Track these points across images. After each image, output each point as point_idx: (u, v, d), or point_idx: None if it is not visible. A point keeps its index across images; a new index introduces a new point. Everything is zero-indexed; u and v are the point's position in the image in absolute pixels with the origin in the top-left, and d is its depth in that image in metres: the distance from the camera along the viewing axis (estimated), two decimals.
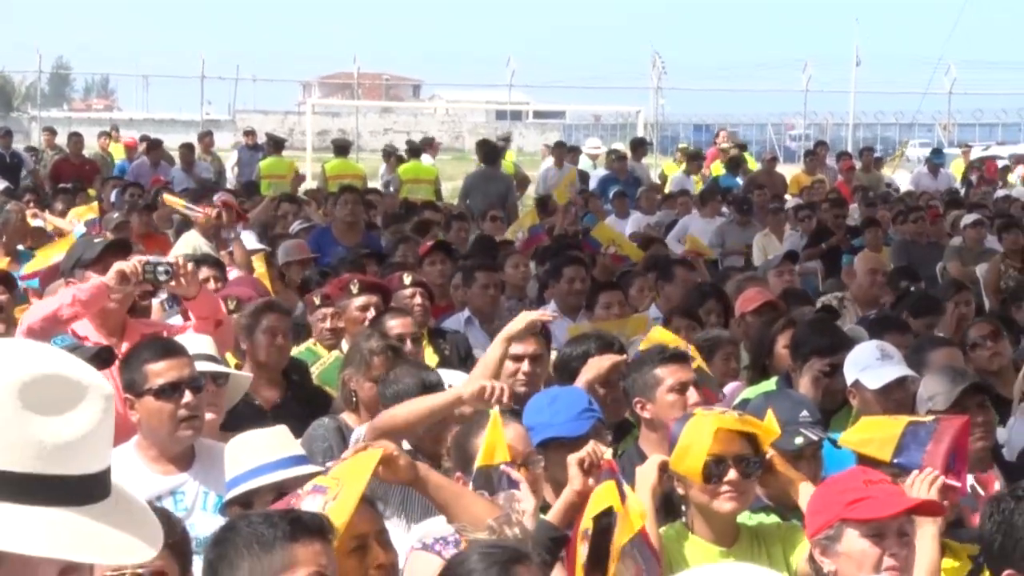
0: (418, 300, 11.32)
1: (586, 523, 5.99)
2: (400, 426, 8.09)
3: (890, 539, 5.44)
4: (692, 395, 7.76)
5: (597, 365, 8.32)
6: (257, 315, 9.75)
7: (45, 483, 2.90)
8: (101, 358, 7.50)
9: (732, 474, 6.35)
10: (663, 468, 6.36)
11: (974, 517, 6.67)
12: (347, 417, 8.61)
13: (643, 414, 7.89)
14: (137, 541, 3.00)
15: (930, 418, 6.98)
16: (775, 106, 74.98)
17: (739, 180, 30.52)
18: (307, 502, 5.45)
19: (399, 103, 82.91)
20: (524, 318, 8.71)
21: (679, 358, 8.17)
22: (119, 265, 8.57)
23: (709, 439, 6.31)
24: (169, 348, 7.50)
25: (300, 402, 9.50)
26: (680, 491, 6.47)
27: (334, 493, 5.48)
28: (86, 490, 2.95)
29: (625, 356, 7.83)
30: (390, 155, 34.14)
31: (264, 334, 9.68)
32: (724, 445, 6.34)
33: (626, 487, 6.17)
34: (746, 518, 6.81)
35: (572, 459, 6.25)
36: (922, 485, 6.11)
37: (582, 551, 5.87)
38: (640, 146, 35.97)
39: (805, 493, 6.57)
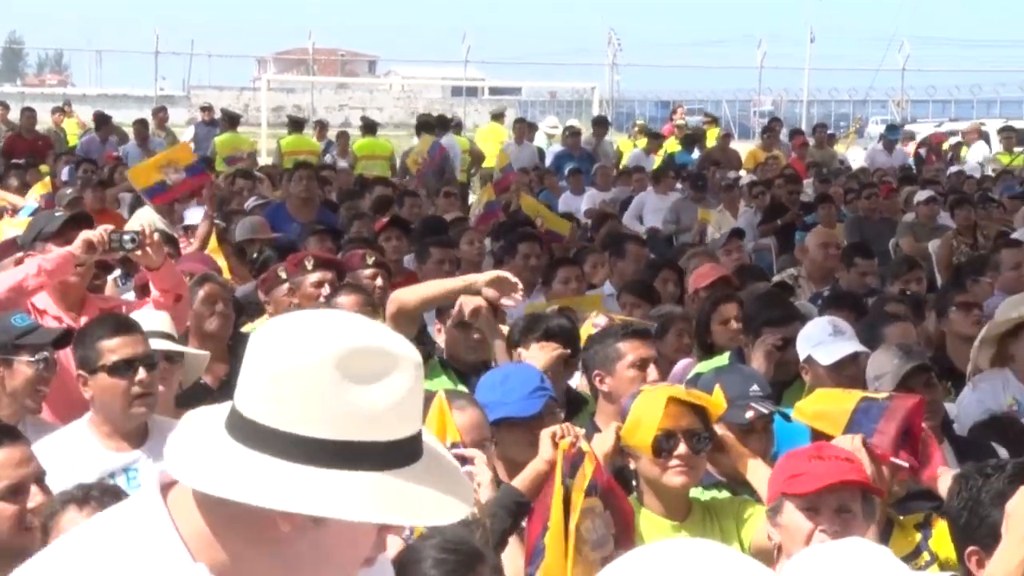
0: (379, 282, 11.29)
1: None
2: (416, 301, 8.88)
3: (825, 514, 5.45)
4: (652, 372, 7.78)
5: (539, 356, 8.32)
6: (194, 287, 9.66)
7: (364, 449, 3.05)
8: (59, 343, 7.66)
9: (682, 448, 6.37)
10: (618, 435, 6.36)
11: None
12: None
13: (601, 387, 7.89)
14: (451, 499, 3.14)
15: (884, 395, 6.97)
16: (731, 82, 75.04)
17: (694, 156, 30.61)
18: None
19: (355, 79, 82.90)
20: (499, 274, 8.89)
21: (642, 334, 8.20)
22: (86, 234, 8.53)
23: (660, 413, 6.33)
24: (123, 325, 7.44)
25: None
26: (632, 465, 6.49)
27: None
28: (401, 454, 3.10)
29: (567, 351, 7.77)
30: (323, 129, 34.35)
31: (203, 304, 9.64)
32: (674, 420, 6.37)
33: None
34: (699, 493, 6.84)
35: (545, 433, 6.26)
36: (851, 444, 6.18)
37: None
38: (602, 124, 35.85)
39: (754, 469, 6.61)
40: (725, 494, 6.84)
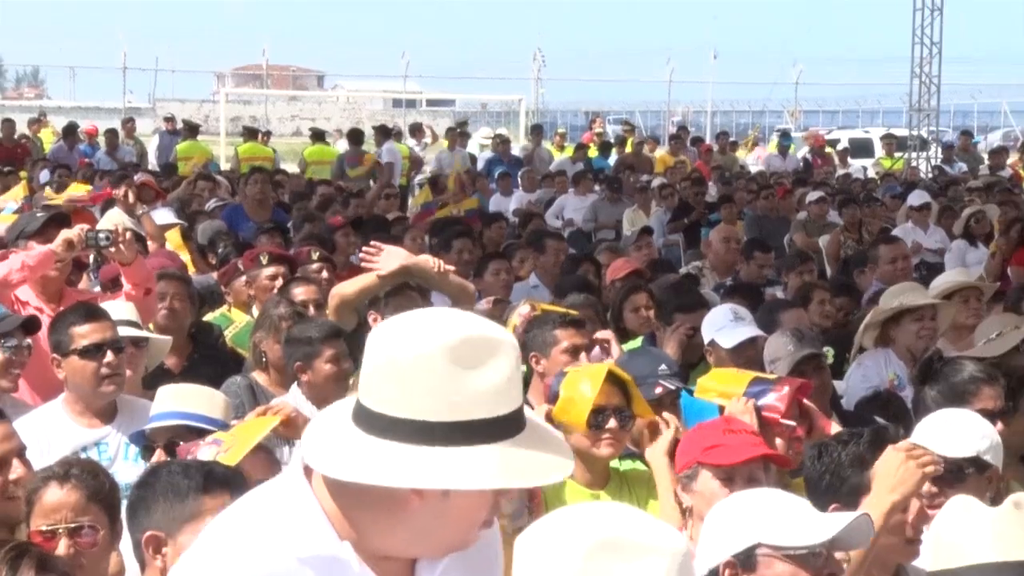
0: (324, 274, 11.29)
1: None
2: (355, 291, 8.75)
3: (738, 483, 5.44)
4: (583, 359, 7.79)
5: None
6: (172, 291, 9.65)
7: (479, 426, 3.09)
8: (28, 327, 7.64)
9: (612, 423, 6.40)
10: (549, 417, 6.35)
11: None
12: (257, 376, 8.62)
13: (536, 367, 7.89)
14: (558, 459, 3.19)
15: (774, 377, 7.04)
16: (645, 95, 75.11)
17: (610, 161, 30.73)
18: (203, 451, 5.46)
19: (304, 92, 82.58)
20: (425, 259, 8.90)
21: (577, 323, 8.20)
22: (66, 233, 8.74)
23: (595, 391, 6.35)
24: (93, 312, 7.46)
25: (209, 362, 9.35)
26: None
27: (227, 447, 5.49)
28: (509, 426, 3.13)
29: None
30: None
31: (171, 297, 9.57)
32: (607, 398, 6.38)
33: None
34: (617, 464, 6.86)
35: None
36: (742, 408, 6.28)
37: None
38: (537, 132, 36.10)
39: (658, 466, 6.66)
40: (640, 465, 6.85)
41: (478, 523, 3.25)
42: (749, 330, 8.53)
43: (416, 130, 37.54)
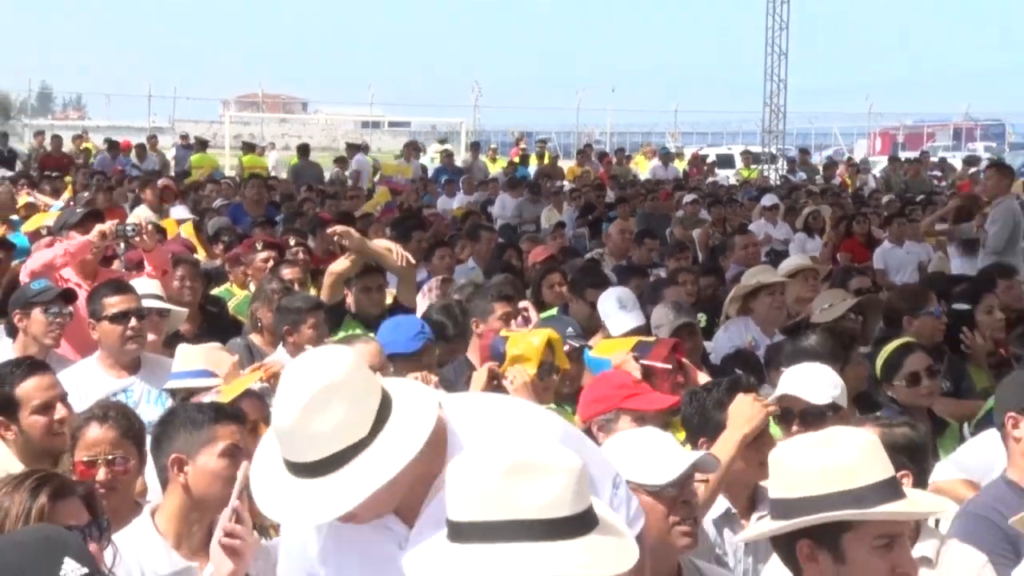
0: (301, 255, 11.27)
1: None
2: (345, 267, 8.81)
3: (649, 423, 5.38)
4: (513, 325, 7.73)
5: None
6: (185, 272, 9.57)
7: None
8: (66, 297, 7.61)
9: (553, 376, 6.32)
10: (492, 373, 6.27)
11: None
12: (253, 337, 8.62)
13: (476, 330, 7.80)
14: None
15: (652, 339, 7.03)
16: (559, 118, 75.29)
17: (531, 171, 30.78)
18: (206, 399, 5.44)
19: (292, 115, 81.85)
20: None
21: (508, 297, 8.14)
22: (100, 226, 8.76)
23: (542, 349, 6.26)
24: (121, 287, 7.43)
25: (215, 328, 9.23)
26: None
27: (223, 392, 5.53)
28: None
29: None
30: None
31: (186, 278, 9.53)
32: (547, 355, 6.26)
33: None
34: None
35: (410, 376, 6.20)
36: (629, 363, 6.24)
37: None
38: (475, 148, 36.22)
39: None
40: (553, 407, 6.80)
41: None
42: (632, 319, 8.44)
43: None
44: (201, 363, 6.25)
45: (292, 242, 12.21)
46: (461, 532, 2.77)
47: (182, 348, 6.52)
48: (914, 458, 4.62)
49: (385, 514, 3.23)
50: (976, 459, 5.89)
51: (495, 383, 6.14)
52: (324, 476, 3.02)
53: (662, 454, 4.06)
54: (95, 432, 4.83)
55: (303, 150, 31.80)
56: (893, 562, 3.28)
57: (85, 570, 2.71)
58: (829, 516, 3.24)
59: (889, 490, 3.28)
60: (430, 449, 3.13)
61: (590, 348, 7.24)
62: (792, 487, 3.33)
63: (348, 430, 3.06)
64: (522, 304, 8.36)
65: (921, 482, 4.61)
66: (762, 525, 3.45)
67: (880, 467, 3.31)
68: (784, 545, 3.38)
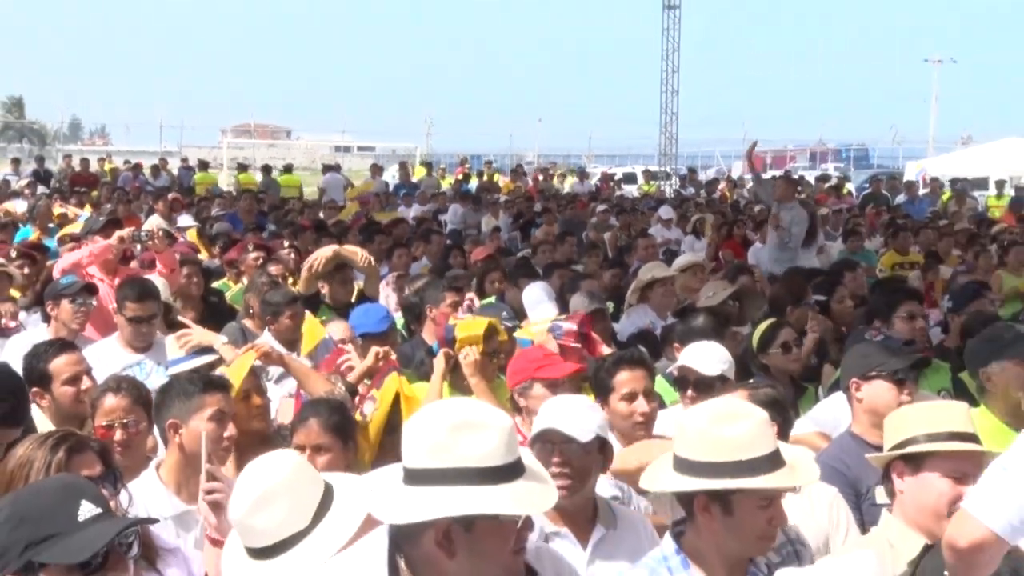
0: (292, 255, 11.27)
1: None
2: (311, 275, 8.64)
3: (561, 389, 5.34)
4: (459, 312, 7.69)
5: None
6: (185, 272, 9.55)
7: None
8: (89, 290, 7.60)
9: (495, 359, 6.26)
10: (448, 355, 6.22)
11: None
12: (246, 322, 8.50)
13: (430, 315, 7.79)
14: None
15: (564, 316, 7.04)
16: (496, 143, 75.53)
17: (472, 186, 30.76)
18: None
19: (278, 141, 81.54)
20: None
21: (458, 288, 8.16)
22: (119, 232, 8.94)
23: (485, 334, 6.20)
24: (142, 294, 7.28)
25: (215, 315, 9.12)
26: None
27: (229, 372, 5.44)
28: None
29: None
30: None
31: (191, 276, 9.51)
32: (493, 339, 6.22)
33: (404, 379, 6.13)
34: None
35: (374, 351, 6.15)
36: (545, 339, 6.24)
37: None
38: (428, 167, 36.27)
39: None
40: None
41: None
42: (550, 308, 8.42)
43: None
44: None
45: (286, 244, 12.32)
46: (415, 476, 2.77)
47: (170, 339, 6.38)
48: (777, 411, 4.63)
49: None
50: (827, 416, 5.96)
51: (452, 362, 6.13)
52: (272, 559, 3.07)
53: (573, 413, 3.98)
54: (111, 401, 4.80)
55: (287, 170, 31.99)
56: (770, 516, 3.32)
57: (99, 510, 2.70)
58: (727, 483, 3.27)
59: (773, 462, 3.31)
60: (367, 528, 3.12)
61: (520, 328, 7.24)
62: (696, 451, 3.33)
63: (290, 523, 3.12)
64: (468, 295, 8.34)
65: (784, 431, 4.63)
66: (669, 481, 3.41)
67: (767, 442, 3.34)
68: (683, 496, 3.41)
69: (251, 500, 3.13)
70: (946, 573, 3.34)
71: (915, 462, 3.90)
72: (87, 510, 2.68)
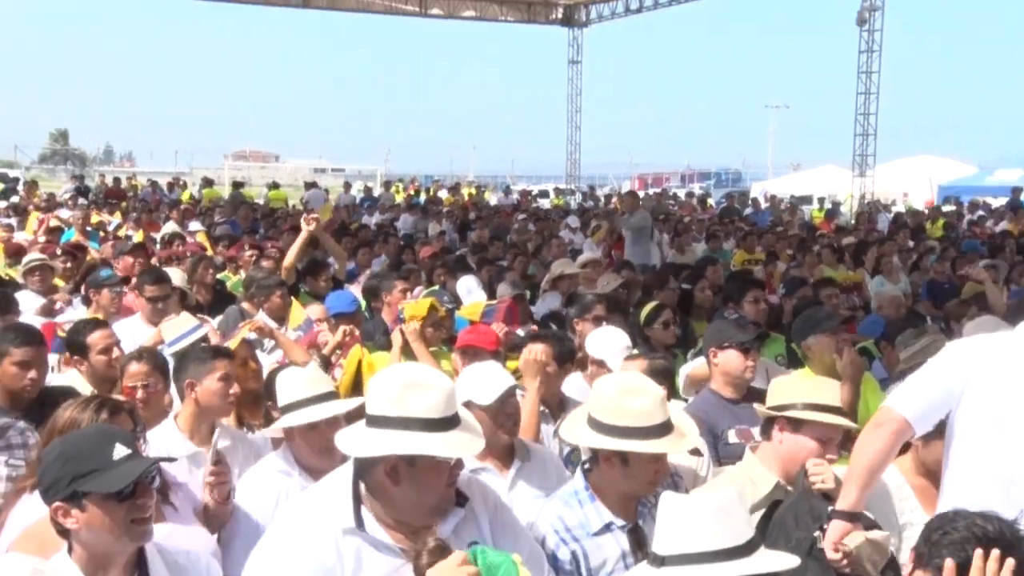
0: (276, 253, 11.11)
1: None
2: (292, 259, 8.67)
3: (479, 359, 5.23)
4: (409, 296, 7.61)
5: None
6: (195, 264, 9.37)
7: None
8: (124, 281, 7.56)
9: (435, 330, 6.22)
10: (401, 332, 6.07)
11: None
12: (245, 304, 8.31)
13: (386, 299, 7.62)
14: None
15: (495, 301, 7.03)
16: (440, 166, 75.43)
17: (422, 199, 30.61)
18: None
19: (268, 164, 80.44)
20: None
21: (407, 278, 8.07)
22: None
23: (424, 311, 6.11)
24: (158, 278, 7.22)
25: (221, 299, 9.01)
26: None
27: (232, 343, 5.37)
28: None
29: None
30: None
31: (200, 269, 9.28)
32: (433, 314, 6.16)
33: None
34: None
35: (342, 329, 6.11)
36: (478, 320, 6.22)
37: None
38: (387, 185, 36.24)
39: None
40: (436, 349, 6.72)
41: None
42: (479, 296, 8.40)
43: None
44: (185, 325, 6.00)
45: (269, 245, 12.05)
46: (373, 422, 2.76)
47: (164, 325, 6.16)
48: (665, 377, 4.66)
49: None
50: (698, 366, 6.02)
51: (402, 337, 6.12)
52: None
53: (488, 381, 3.87)
54: (135, 367, 4.72)
55: (275, 187, 31.70)
56: (657, 468, 3.31)
57: (129, 451, 2.70)
58: (628, 445, 3.24)
59: (664, 429, 3.28)
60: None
61: (457, 310, 7.23)
62: (606, 415, 3.29)
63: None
64: (417, 288, 8.31)
65: (670, 393, 4.63)
66: (584, 436, 3.36)
67: (661, 413, 3.30)
68: (591, 449, 3.39)
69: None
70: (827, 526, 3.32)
71: (795, 423, 3.84)
72: (120, 451, 2.67)
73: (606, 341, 5.49)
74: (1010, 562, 2.47)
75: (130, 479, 2.62)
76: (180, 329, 5.94)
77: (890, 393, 3.65)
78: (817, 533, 3.30)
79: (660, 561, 2.56)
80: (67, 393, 4.79)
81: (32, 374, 4.67)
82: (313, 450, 3.87)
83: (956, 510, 2.67)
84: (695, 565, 2.51)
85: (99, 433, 2.80)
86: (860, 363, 5.45)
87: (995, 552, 2.47)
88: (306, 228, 8.90)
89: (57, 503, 2.63)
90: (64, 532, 2.66)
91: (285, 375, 4.13)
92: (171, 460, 3.26)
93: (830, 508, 3.34)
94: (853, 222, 21.94)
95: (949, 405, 3.41)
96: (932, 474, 3.70)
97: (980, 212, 22.62)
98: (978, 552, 2.48)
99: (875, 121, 29.05)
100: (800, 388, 3.94)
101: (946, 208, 25.01)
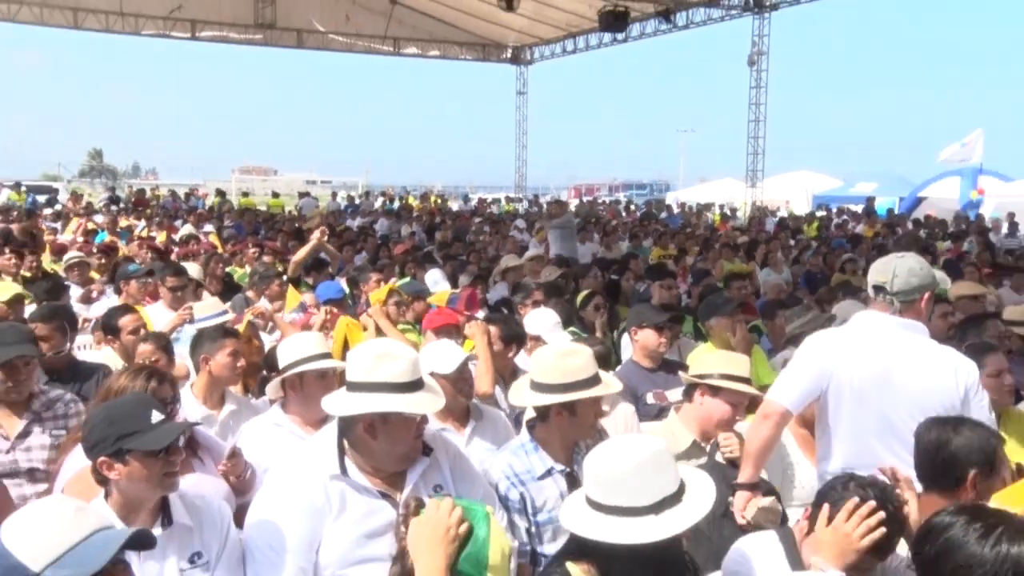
0: (274, 250, 11.03)
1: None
2: (299, 259, 8.62)
3: (440, 336, 5.14)
4: (383, 285, 7.56)
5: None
6: (208, 260, 9.26)
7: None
8: (149, 274, 7.34)
9: (401, 307, 6.16)
10: (374, 311, 6.10)
11: None
12: (249, 292, 8.24)
13: (364, 288, 7.58)
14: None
15: (458, 290, 7.00)
16: (412, 178, 75.11)
17: (395, 206, 30.39)
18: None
19: (268, 176, 79.47)
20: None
21: (381, 271, 8.08)
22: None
23: (385, 294, 6.09)
24: (177, 271, 7.06)
25: (229, 289, 8.87)
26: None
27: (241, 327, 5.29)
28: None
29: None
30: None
31: (212, 264, 9.17)
32: (395, 295, 6.11)
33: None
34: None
35: (323, 310, 6.06)
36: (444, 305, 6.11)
37: None
38: (367, 195, 35.92)
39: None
40: (407, 326, 6.65)
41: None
42: (444, 285, 8.35)
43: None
44: (214, 308, 5.99)
45: (269, 244, 11.93)
46: (353, 387, 2.75)
47: (197, 306, 6.11)
48: (607, 362, 4.64)
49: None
50: (623, 352, 6.05)
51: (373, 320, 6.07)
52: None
53: (447, 355, 3.87)
54: (143, 347, 4.64)
55: (275, 195, 31.40)
56: (596, 411, 3.30)
57: (164, 416, 2.67)
58: (574, 396, 3.23)
59: (596, 379, 3.27)
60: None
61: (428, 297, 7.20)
62: (550, 375, 3.27)
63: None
64: (391, 279, 8.29)
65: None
66: (531, 397, 3.29)
67: (593, 367, 3.29)
68: (538, 408, 3.35)
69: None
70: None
71: (713, 390, 3.85)
72: (156, 416, 2.64)
73: (539, 319, 5.51)
74: (880, 514, 2.53)
75: (168, 440, 2.60)
76: (210, 311, 5.89)
77: (776, 370, 3.73)
78: (731, 498, 3.38)
79: (597, 507, 2.37)
80: (96, 367, 4.75)
81: (44, 347, 4.64)
82: (306, 399, 3.79)
83: (839, 475, 2.75)
84: (630, 518, 2.31)
85: (139, 401, 2.76)
86: (750, 338, 5.60)
87: (871, 503, 2.54)
88: (315, 238, 8.88)
89: (102, 458, 2.59)
90: (103, 481, 2.63)
91: (290, 340, 4.04)
92: (198, 425, 3.23)
93: (734, 481, 3.43)
94: (746, 224, 22.22)
95: (820, 388, 3.54)
96: (809, 425, 3.85)
97: (844, 216, 22.97)
98: (853, 500, 2.55)
99: (763, 143, 29.39)
100: (718, 361, 3.96)
101: (819, 213, 25.40)
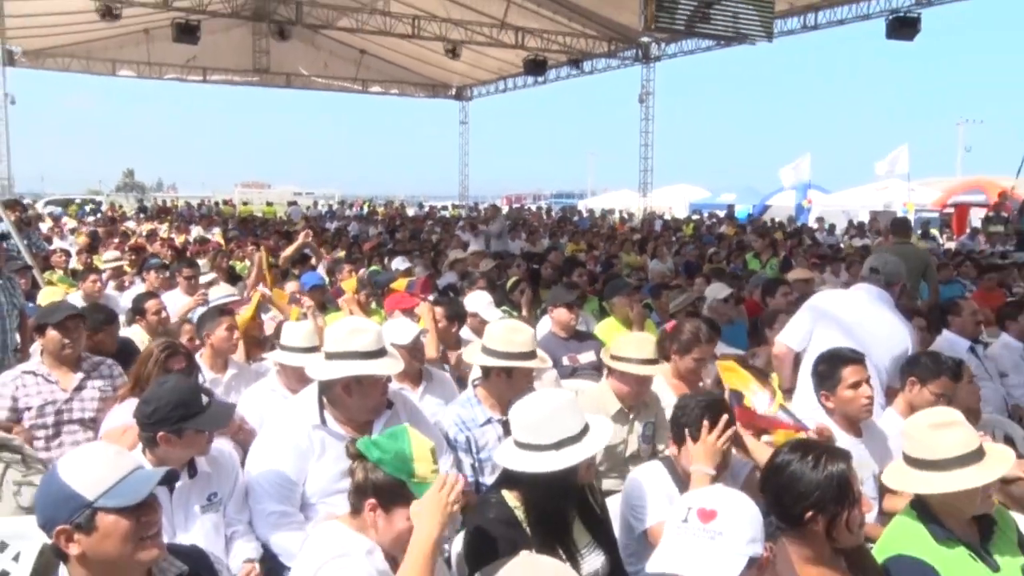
0: (262, 252, 10.61)
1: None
2: (290, 255, 8.18)
3: (402, 317, 4.96)
4: (353, 276, 7.34)
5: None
6: (215, 256, 9.01)
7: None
8: (166, 266, 7.01)
9: (366, 293, 5.91)
10: (348, 300, 5.74)
11: None
12: (248, 281, 8.01)
13: (339, 278, 7.30)
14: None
15: (414, 278, 6.79)
16: (387, 189, 74.02)
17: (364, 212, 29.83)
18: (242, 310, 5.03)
19: (263, 189, 77.42)
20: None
21: (353, 263, 7.78)
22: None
23: (354, 284, 5.86)
24: (190, 265, 6.83)
25: (231, 278, 8.51)
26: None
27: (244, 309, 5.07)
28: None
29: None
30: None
31: (218, 259, 8.86)
32: (362, 284, 5.90)
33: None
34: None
35: (305, 300, 5.77)
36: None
37: None
38: (342, 204, 35.09)
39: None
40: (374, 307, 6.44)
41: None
42: (421, 271, 8.21)
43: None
44: (226, 291, 5.79)
45: (263, 243, 11.50)
46: (331, 356, 2.72)
47: (214, 289, 5.92)
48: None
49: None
50: (544, 325, 5.93)
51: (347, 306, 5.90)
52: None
53: (404, 329, 3.77)
54: (187, 327, 4.53)
55: (269, 204, 30.51)
56: (527, 379, 3.24)
57: (208, 400, 2.60)
58: (514, 364, 3.16)
59: (533, 355, 3.22)
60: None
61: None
62: (496, 343, 3.18)
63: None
64: (361, 271, 8.16)
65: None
66: (479, 357, 3.21)
67: (532, 344, 3.22)
68: (484, 368, 3.27)
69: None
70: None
71: (619, 373, 3.65)
72: (204, 400, 2.58)
73: (477, 300, 5.46)
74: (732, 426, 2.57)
75: (221, 422, 2.59)
76: (222, 293, 5.73)
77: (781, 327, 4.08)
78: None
79: (520, 445, 2.32)
80: (128, 342, 4.55)
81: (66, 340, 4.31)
82: (295, 375, 3.74)
83: (686, 402, 2.68)
84: (538, 452, 2.29)
85: (190, 388, 2.64)
86: (644, 313, 5.66)
87: (724, 417, 2.55)
88: (302, 238, 8.67)
89: (163, 432, 2.50)
90: (151, 443, 2.53)
91: (291, 326, 3.92)
92: (232, 406, 3.11)
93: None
94: (639, 225, 22.53)
95: (813, 324, 3.88)
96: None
97: (713, 219, 23.53)
98: (706, 423, 2.55)
99: (652, 162, 29.81)
100: (632, 343, 3.73)
101: (694, 217, 25.97)
